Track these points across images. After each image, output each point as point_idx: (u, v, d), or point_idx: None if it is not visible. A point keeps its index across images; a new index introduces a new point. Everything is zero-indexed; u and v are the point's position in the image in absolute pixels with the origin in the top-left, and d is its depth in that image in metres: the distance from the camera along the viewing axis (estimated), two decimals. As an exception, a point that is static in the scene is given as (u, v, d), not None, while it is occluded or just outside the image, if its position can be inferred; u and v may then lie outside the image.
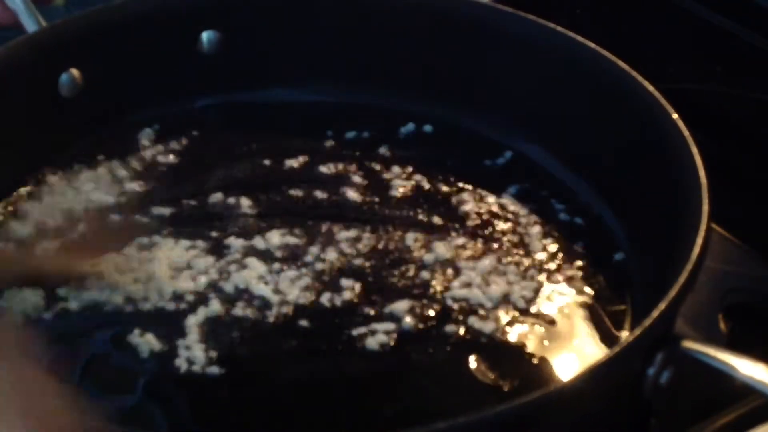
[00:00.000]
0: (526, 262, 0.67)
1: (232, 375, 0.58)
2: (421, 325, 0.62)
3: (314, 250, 0.67)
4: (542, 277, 0.66)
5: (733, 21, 0.83)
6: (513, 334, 0.62)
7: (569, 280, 0.66)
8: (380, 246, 0.67)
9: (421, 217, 0.70)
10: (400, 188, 0.73)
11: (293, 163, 0.75)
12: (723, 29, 0.83)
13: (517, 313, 0.63)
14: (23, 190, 0.71)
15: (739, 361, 0.49)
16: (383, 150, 0.77)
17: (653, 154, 0.66)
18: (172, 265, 0.65)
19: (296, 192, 0.72)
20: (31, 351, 0.41)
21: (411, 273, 0.66)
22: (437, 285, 0.65)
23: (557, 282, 0.65)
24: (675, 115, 0.65)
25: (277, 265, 0.65)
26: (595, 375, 0.49)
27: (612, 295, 0.65)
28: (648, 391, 0.51)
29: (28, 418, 0.39)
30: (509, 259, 0.67)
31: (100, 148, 0.75)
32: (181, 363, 0.58)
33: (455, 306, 0.63)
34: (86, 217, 0.69)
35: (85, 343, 0.60)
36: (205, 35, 0.79)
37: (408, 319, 0.62)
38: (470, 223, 0.70)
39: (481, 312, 0.63)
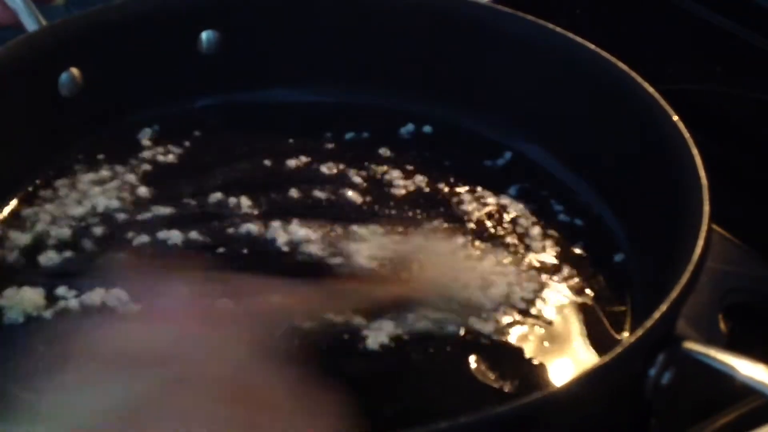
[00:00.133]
0: (526, 262, 0.67)
1: (232, 375, 0.58)
2: (421, 326, 0.62)
3: (313, 249, 0.67)
4: (542, 277, 0.66)
5: (733, 21, 0.83)
6: (513, 335, 0.62)
7: (569, 280, 0.66)
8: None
9: (420, 217, 0.70)
10: (400, 188, 0.73)
11: (293, 163, 0.75)
12: (723, 29, 0.83)
13: (517, 314, 0.63)
14: (25, 193, 0.71)
15: (739, 362, 0.49)
16: (383, 150, 0.77)
17: (653, 155, 0.66)
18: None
19: (296, 192, 0.72)
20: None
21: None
22: (437, 285, 0.65)
23: (557, 283, 0.65)
24: (675, 117, 0.65)
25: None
26: (596, 376, 0.49)
27: (612, 295, 0.65)
28: (649, 391, 0.51)
29: None
30: (509, 259, 0.67)
31: (100, 148, 0.75)
32: (181, 363, 0.58)
33: (455, 306, 0.63)
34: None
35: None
36: (205, 35, 0.79)
37: (408, 319, 0.62)
38: (470, 223, 0.70)
39: (481, 312, 0.63)
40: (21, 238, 0.67)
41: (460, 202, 0.72)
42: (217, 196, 0.71)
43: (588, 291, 0.65)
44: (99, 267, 0.65)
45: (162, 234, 0.68)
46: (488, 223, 0.70)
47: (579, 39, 0.73)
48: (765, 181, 0.80)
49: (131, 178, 0.73)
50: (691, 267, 0.54)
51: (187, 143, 0.77)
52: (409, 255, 0.67)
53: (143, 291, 0.56)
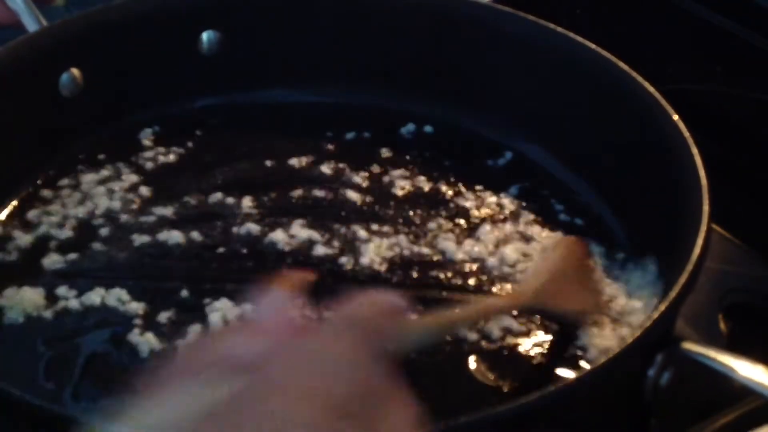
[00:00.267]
0: (527, 262, 0.67)
1: (232, 375, 0.58)
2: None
3: (314, 249, 0.67)
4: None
5: (733, 21, 0.83)
6: (513, 335, 0.62)
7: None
8: (381, 246, 0.67)
9: (421, 217, 0.70)
10: (401, 188, 0.73)
11: (294, 163, 0.75)
12: (723, 29, 0.83)
13: (516, 314, 0.63)
14: (26, 194, 0.71)
15: (738, 363, 0.49)
16: (384, 150, 0.77)
17: (653, 155, 0.67)
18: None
19: (297, 192, 0.72)
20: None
21: (411, 273, 0.66)
22: (437, 285, 0.65)
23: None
24: (675, 116, 0.65)
25: (278, 265, 0.66)
26: (595, 376, 0.49)
27: (612, 295, 0.65)
28: (648, 391, 0.51)
29: None
30: (510, 259, 0.67)
31: (100, 148, 0.75)
32: (181, 363, 0.58)
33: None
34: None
35: (85, 342, 0.60)
36: (205, 35, 0.79)
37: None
38: (471, 223, 0.70)
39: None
40: (22, 238, 0.67)
41: (461, 201, 0.72)
42: (217, 195, 0.71)
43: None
44: (100, 267, 0.65)
45: (163, 234, 0.68)
46: (489, 223, 0.70)
47: (579, 39, 0.73)
48: (765, 181, 0.80)
49: (132, 177, 0.73)
50: (690, 267, 0.54)
51: (187, 143, 0.77)
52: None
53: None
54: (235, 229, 0.68)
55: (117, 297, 0.63)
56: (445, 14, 0.78)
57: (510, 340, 0.61)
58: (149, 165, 0.74)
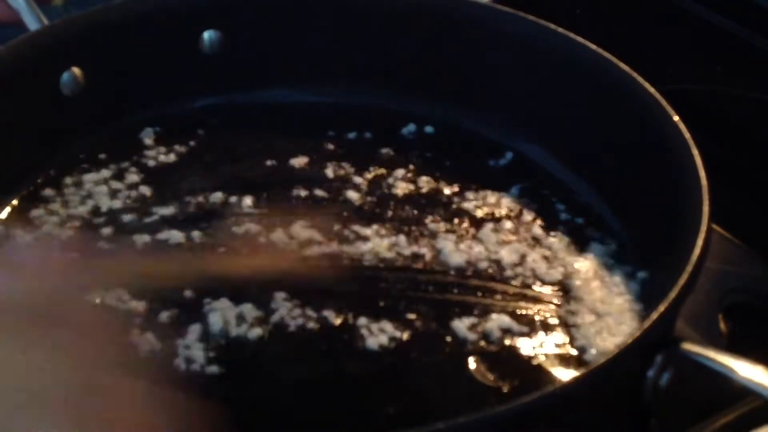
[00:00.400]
0: (526, 263, 0.67)
1: (232, 374, 0.58)
2: (421, 326, 0.62)
3: (314, 249, 0.67)
4: (542, 278, 0.66)
5: (733, 21, 0.83)
6: (513, 336, 0.62)
7: (569, 281, 0.66)
8: (381, 246, 0.67)
9: (422, 217, 0.70)
10: (401, 188, 0.73)
11: (295, 163, 0.75)
12: (723, 29, 0.83)
13: (516, 315, 0.63)
14: (27, 193, 0.71)
15: (738, 363, 0.49)
16: (385, 150, 0.77)
17: (653, 155, 0.67)
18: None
19: (297, 192, 0.72)
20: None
21: (411, 273, 0.66)
22: (438, 286, 0.65)
23: (557, 283, 0.65)
24: (675, 116, 0.65)
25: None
26: (595, 376, 0.49)
27: (612, 296, 0.65)
28: (648, 392, 0.51)
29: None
30: (510, 259, 0.67)
31: (101, 148, 0.75)
32: (180, 362, 0.59)
33: (456, 307, 0.63)
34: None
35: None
36: (206, 35, 0.79)
37: (408, 320, 0.62)
38: (471, 223, 0.70)
39: (482, 312, 0.63)
40: (23, 238, 0.67)
41: (462, 202, 0.72)
42: (217, 195, 0.71)
43: (588, 290, 0.65)
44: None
45: (163, 233, 0.68)
46: (489, 223, 0.70)
47: (579, 39, 0.73)
48: (765, 181, 0.80)
49: (133, 177, 0.73)
50: (690, 267, 0.54)
51: (187, 143, 0.77)
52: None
53: None
54: (235, 229, 0.68)
55: (117, 297, 0.63)
56: (445, 14, 0.78)
57: (510, 340, 0.61)
58: (149, 165, 0.74)
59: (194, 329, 0.61)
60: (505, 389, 0.58)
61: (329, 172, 0.74)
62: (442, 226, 0.70)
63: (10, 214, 0.70)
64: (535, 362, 0.60)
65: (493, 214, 0.71)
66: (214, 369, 0.58)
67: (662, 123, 0.66)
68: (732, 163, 0.81)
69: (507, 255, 0.67)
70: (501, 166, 0.76)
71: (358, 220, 0.70)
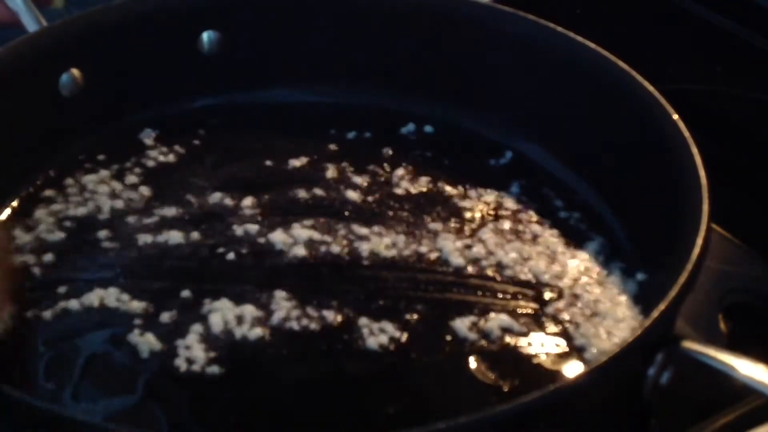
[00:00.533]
0: (527, 262, 0.67)
1: (232, 374, 0.58)
2: (421, 325, 0.62)
3: (314, 249, 0.67)
4: (542, 277, 0.66)
5: (733, 21, 0.83)
6: (513, 335, 0.62)
7: (569, 280, 0.66)
8: (381, 246, 0.67)
9: (422, 217, 0.70)
10: (401, 188, 0.73)
11: (295, 163, 0.75)
12: (723, 29, 0.83)
13: (517, 314, 0.63)
14: (26, 194, 0.71)
15: (738, 362, 0.49)
16: (384, 150, 0.77)
17: (653, 154, 0.67)
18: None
19: (298, 192, 0.72)
20: None
21: (411, 273, 0.66)
22: (438, 285, 0.65)
23: (557, 283, 0.65)
24: (675, 116, 0.65)
25: (278, 265, 0.66)
26: (595, 375, 0.49)
27: (612, 295, 0.65)
28: (648, 391, 0.51)
29: None
30: (510, 258, 0.67)
31: (100, 149, 0.75)
32: (180, 363, 0.58)
33: (456, 307, 0.63)
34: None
35: (85, 342, 0.60)
36: (205, 35, 0.79)
37: (408, 320, 0.62)
38: (471, 223, 0.70)
39: (482, 312, 0.63)
40: (23, 238, 0.67)
41: (461, 201, 0.72)
42: (217, 195, 0.71)
43: (588, 291, 0.65)
44: (100, 267, 0.66)
45: (163, 234, 0.68)
46: (489, 223, 0.70)
47: (579, 38, 0.73)
48: (765, 181, 0.80)
49: (132, 178, 0.73)
50: (689, 266, 0.54)
51: (188, 143, 0.77)
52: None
53: None
54: (235, 229, 0.68)
55: (117, 297, 0.63)
56: (445, 14, 0.78)
57: (510, 340, 0.61)
58: (149, 165, 0.74)
59: (195, 330, 0.61)
60: (506, 388, 0.58)
61: (329, 172, 0.74)
62: (442, 225, 0.70)
63: (10, 215, 0.70)
64: (535, 361, 0.60)
65: (492, 213, 0.71)
66: (214, 369, 0.58)
67: (662, 122, 0.66)
68: (732, 163, 0.81)
69: (507, 254, 0.67)
70: (501, 165, 0.76)
71: (358, 220, 0.70)
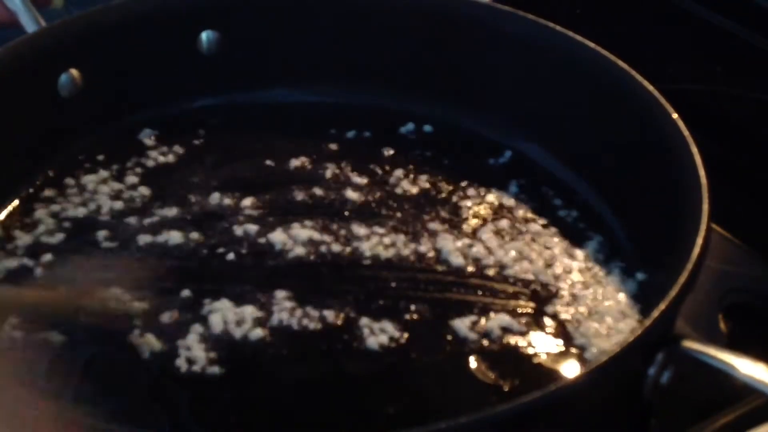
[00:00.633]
0: (526, 262, 0.67)
1: (233, 374, 0.58)
2: (421, 325, 0.62)
3: (314, 249, 0.67)
4: (542, 277, 0.66)
5: (733, 21, 0.83)
6: (513, 335, 0.62)
7: (569, 280, 0.66)
8: (381, 246, 0.67)
9: (422, 217, 0.70)
10: (401, 188, 0.73)
11: (295, 163, 0.75)
12: (723, 29, 0.83)
13: (517, 313, 0.63)
14: (26, 194, 0.71)
15: (739, 361, 0.49)
16: (384, 150, 0.77)
17: (653, 154, 0.66)
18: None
19: (298, 192, 0.72)
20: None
21: (411, 273, 0.66)
22: (438, 285, 0.65)
23: (557, 282, 0.65)
24: (675, 115, 0.65)
25: (277, 265, 0.66)
26: (595, 375, 0.49)
27: (612, 295, 0.65)
28: (648, 390, 0.51)
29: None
30: (509, 258, 0.67)
31: (100, 149, 0.75)
32: (181, 363, 0.58)
33: (456, 306, 0.63)
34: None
35: (85, 343, 0.60)
36: (205, 35, 0.79)
37: (408, 320, 0.62)
38: (471, 222, 0.70)
39: (482, 312, 0.63)
40: (23, 238, 0.67)
41: (461, 201, 0.72)
42: (217, 195, 0.71)
43: (588, 291, 0.65)
44: (100, 267, 0.65)
45: (163, 234, 0.68)
46: (489, 222, 0.70)
47: (579, 38, 0.73)
48: (765, 181, 0.80)
49: (132, 178, 0.73)
50: (690, 266, 0.54)
51: (188, 143, 0.77)
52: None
53: None
54: (235, 229, 0.68)
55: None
56: (445, 14, 0.78)
57: (510, 340, 0.61)
58: (149, 165, 0.74)
59: (195, 330, 0.60)
60: (506, 388, 0.58)
61: (329, 172, 0.74)
62: (442, 225, 0.70)
63: (10, 215, 0.69)
64: (535, 361, 0.60)
65: (492, 213, 0.71)
66: (215, 369, 0.58)
67: (662, 122, 0.66)
68: (732, 163, 0.81)
69: (507, 254, 0.67)
70: (500, 165, 0.76)
71: (358, 220, 0.70)
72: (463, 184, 0.74)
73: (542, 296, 0.64)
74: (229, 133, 0.78)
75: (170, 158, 0.75)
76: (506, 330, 0.62)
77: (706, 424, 0.58)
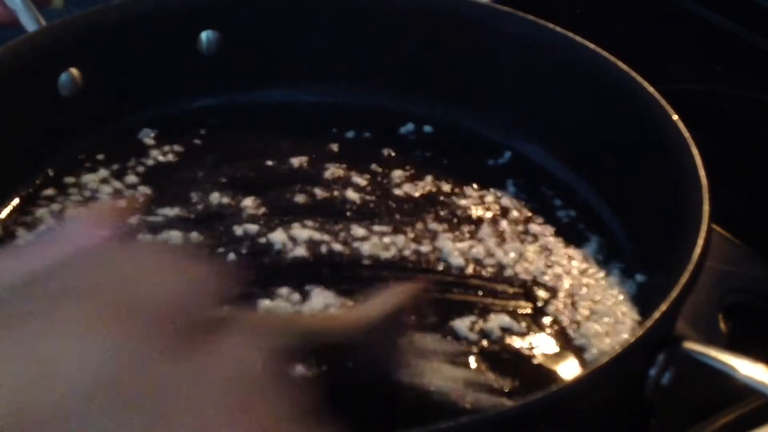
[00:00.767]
0: (526, 262, 0.67)
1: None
2: (422, 325, 0.62)
3: (314, 249, 0.67)
4: (542, 277, 0.66)
5: (733, 21, 0.83)
6: (514, 335, 0.62)
7: (569, 280, 0.66)
8: (381, 246, 0.67)
9: (422, 217, 0.70)
10: (401, 188, 0.73)
11: (295, 163, 0.75)
12: (723, 29, 0.83)
13: (516, 314, 0.63)
14: (27, 193, 0.71)
15: (739, 362, 0.49)
16: (384, 150, 0.77)
17: (653, 154, 0.67)
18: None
19: (298, 192, 0.72)
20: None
21: (411, 273, 0.66)
22: (438, 285, 0.65)
23: (557, 283, 0.65)
24: (675, 116, 0.65)
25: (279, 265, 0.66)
26: (596, 375, 0.49)
27: (612, 296, 0.65)
28: (649, 391, 0.51)
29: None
30: (509, 258, 0.67)
31: (100, 148, 0.75)
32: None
33: (456, 307, 0.63)
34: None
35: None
36: (205, 35, 0.79)
37: (408, 319, 0.62)
38: (471, 223, 0.70)
39: (482, 312, 0.63)
40: (24, 237, 0.67)
41: (461, 201, 0.72)
42: (217, 195, 0.71)
43: (588, 291, 0.65)
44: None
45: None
46: (489, 223, 0.70)
47: (579, 39, 0.73)
48: (765, 181, 0.80)
49: (132, 178, 0.73)
50: (691, 267, 0.54)
51: (188, 143, 0.77)
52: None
53: None
54: (235, 229, 0.68)
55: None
56: (445, 14, 0.78)
57: (510, 340, 0.61)
58: (149, 165, 0.74)
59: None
60: (506, 388, 0.58)
61: (329, 172, 0.74)
62: (441, 225, 0.70)
63: (10, 214, 0.69)
64: (535, 361, 0.60)
65: (492, 213, 0.71)
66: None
67: (662, 123, 0.66)
68: (732, 163, 0.81)
69: (506, 254, 0.67)
70: (500, 165, 0.76)
71: (358, 220, 0.70)
72: (463, 184, 0.74)
73: (542, 297, 0.64)
74: (229, 133, 0.78)
75: (170, 158, 0.75)
76: (506, 330, 0.62)
77: (707, 424, 0.58)
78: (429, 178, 0.74)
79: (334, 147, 0.77)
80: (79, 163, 0.74)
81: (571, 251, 0.68)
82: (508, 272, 0.66)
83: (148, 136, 0.77)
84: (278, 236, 0.68)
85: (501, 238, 0.69)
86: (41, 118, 0.73)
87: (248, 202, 0.71)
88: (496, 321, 0.62)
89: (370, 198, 0.72)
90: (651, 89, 0.68)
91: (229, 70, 0.80)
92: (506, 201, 0.72)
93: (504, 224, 0.70)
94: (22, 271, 0.37)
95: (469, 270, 0.66)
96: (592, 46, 0.73)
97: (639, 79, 0.69)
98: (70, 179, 0.72)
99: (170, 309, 0.36)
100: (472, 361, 0.60)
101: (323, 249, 0.67)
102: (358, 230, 0.68)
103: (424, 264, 0.66)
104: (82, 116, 0.75)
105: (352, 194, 0.72)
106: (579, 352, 0.61)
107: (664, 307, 0.51)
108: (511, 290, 0.65)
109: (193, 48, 0.79)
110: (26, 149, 0.72)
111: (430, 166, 0.75)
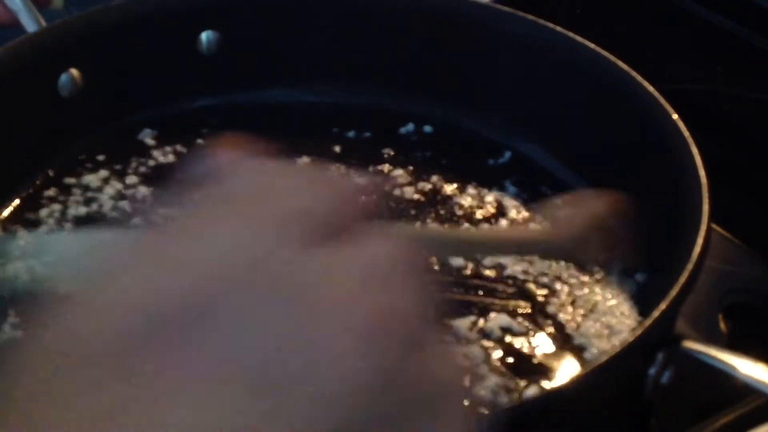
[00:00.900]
0: (526, 262, 0.67)
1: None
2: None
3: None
4: (542, 277, 0.66)
5: (733, 21, 0.83)
6: (514, 335, 0.62)
7: (569, 280, 0.66)
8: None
9: (422, 217, 0.70)
10: (402, 188, 0.73)
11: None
12: (723, 29, 0.83)
13: (516, 314, 0.63)
14: (27, 194, 0.71)
15: (739, 361, 0.49)
16: (384, 150, 0.77)
17: (653, 154, 0.66)
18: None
19: (297, 192, 0.72)
20: None
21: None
22: (438, 285, 0.65)
23: (556, 282, 0.65)
24: (675, 116, 0.65)
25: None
26: (596, 375, 0.49)
27: (611, 295, 0.65)
28: (649, 390, 0.51)
29: None
30: (509, 259, 0.67)
31: (100, 149, 0.75)
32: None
33: (456, 306, 0.63)
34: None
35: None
36: (205, 35, 0.79)
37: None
38: (470, 222, 0.70)
39: (482, 312, 0.63)
40: (24, 237, 0.67)
41: (461, 201, 0.72)
42: (218, 196, 0.71)
43: (588, 291, 0.65)
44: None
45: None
46: (489, 223, 0.70)
47: (579, 38, 0.73)
48: (765, 181, 0.80)
49: (132, 178, 0.73)
50: (690, 266, 0.54)
51: (188, 143, 0.77)
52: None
53: None
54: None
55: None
56: (445, 14, 0.78)
57: (510, 340, 0.61)
58: (150, 165, 0.74)
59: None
60: (506, 388, 0.58)
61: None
62: (441, 225, 0.69)
63: (10, 214, 0.69)
64: (535, 361, 0.60)
65: (492, 213, 0.71)
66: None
67: (662, 122, 0.65)
68: (732, 163, 0.81)
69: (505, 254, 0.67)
70: (500, 165, 0.76)
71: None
72: (463, 184, 0.74)
73: (542, 296, 0.64)
74: (229, 133, 0.78)
75: (170, 158, 0.75)
76: (506, 330, 0.62)
77: (706, 424, 0.58)
78: (430, 178, 0.74)
79: (335, 147, 0.77)
80: (79, 163, 0.74)
81: (571, 251, 0.68)
82: (508, 272, 0.66)
83: (148, 136, 0.77)
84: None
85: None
86: (41, 118, 0.73)
87: (248, 202, 0.70)
88: (496, 321, 0.62)
89: (370, 198, 0.72)
90: (651, 89, 0.68)
91: (229, 70, 0.80)
92: (506, 201, 0.72)
93: (503, 224, 0.70)
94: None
95: (469, 270, 0.66)
96: (592, 46, 0.73)
97: (639, 78, 0.69)
98: (70, 180, 0.72)
99: (319, 216, 0.36)
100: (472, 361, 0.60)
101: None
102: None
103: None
104: (82, 116, 0.75)
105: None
106: (579, 351, 0.61)
107: (663, 306, 0.51)
108: (510, 290, 0.65)
109: (193, 48, 0.79)
110: (26, 149, 0.72)
111: (430, 166, 0.75)
